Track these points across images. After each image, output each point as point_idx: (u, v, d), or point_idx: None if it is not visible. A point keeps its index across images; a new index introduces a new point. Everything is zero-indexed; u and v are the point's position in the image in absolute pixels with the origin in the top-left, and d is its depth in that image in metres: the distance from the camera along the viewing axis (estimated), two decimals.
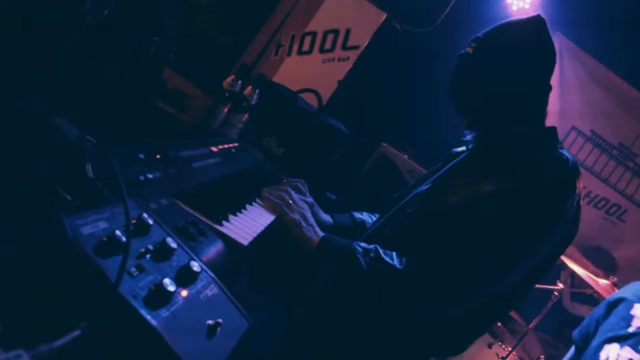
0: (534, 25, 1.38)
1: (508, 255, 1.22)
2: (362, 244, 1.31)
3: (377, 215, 1.81)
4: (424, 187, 1.45)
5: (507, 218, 1.21)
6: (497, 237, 1.21)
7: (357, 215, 1.79)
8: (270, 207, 1.39)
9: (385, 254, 1.27)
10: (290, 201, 1.43)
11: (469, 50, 1.40)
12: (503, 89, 1.37)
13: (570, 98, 4.04)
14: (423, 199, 1.40)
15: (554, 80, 1.43)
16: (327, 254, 1.31)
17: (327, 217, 1.66)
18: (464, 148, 1.56)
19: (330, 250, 1.31)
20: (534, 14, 1.42)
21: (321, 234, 1.37)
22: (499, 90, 1.37)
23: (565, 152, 1.31)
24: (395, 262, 1.24)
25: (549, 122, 1.43)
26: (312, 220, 1.41)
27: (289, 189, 1.50)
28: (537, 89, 1.39)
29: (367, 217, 1.79)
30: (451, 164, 1.48)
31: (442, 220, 1.30)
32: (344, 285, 1.31)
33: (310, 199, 1.62)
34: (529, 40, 1.37)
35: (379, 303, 1.27)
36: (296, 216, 1.38)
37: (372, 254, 1.27)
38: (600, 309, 1.57)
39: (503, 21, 1.42)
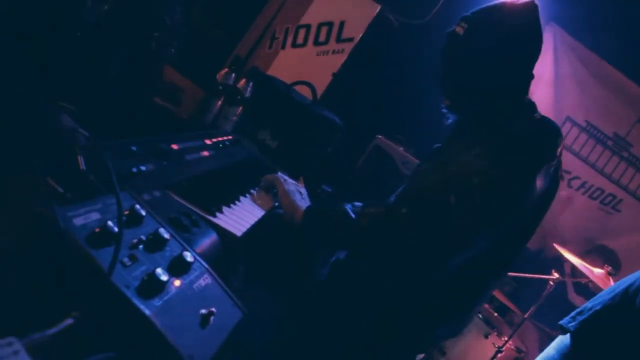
0: (527, 10, 1.38)
1: (486, 212, 1.22)
2: (347, 204, 1.34)
3: None
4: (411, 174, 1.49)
5: (493, 171, 1.22)
6: (476, 192, 1.21)
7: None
8: (267, 182, 1.47)
9: (371, 204, 1.30)
10: (286, 179, 1.51)
11: (459, 30, 1.39)
12: (491, 72, 1.37)
13: (564, 88, 4.04)
14: (414, 176, 1.47)
15: (548, 71, 1.44)
16: (316, 216, 1.34)
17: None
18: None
19: (319, 213, 1.35)
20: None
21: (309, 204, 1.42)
22: (486, 73, 1.38)
23: (545, 116, 1.36)
24: (381, 207, 1.28)
25: (543, 111, 1.44)
26: (305, 195, 1.48)
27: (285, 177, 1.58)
28: (521, 76, 1.40)
29: None
30: (435, 147, 1.53)
31: (434, 187, 1.30)
32: (333, 239, 1.34)
33: (303, 191, 1.63)
34: (522, 24, 1.37)
35: (370, 251, 1.30)
36: (290, 187, 1.43)
37: (357, 204, 1.31)
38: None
39: (496, 1, 1.41)
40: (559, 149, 1.31)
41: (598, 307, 1.69)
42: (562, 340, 1.76)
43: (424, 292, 1.33)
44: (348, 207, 1.30)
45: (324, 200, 1.73)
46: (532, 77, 1.41)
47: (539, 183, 1.26)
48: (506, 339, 3.06)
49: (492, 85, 1.39)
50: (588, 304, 1.77)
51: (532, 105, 1.41)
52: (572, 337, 1.73)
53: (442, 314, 1.37)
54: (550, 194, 1.35)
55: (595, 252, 4.04)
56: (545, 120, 1.34)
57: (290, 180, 1.55)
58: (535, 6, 1.38)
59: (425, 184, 1.31)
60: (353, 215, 1.26)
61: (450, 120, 1.50)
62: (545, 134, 1.31)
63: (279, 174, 1.69)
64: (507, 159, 1.23)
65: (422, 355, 1.52)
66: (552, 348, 1.79)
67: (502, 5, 1.39)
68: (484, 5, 1.40)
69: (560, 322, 1.80)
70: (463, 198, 1.20)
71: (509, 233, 1.32)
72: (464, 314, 1.46)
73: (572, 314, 1.79)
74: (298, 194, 1.44)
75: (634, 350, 1.60)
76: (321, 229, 1.33)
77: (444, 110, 1.50)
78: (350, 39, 3.47)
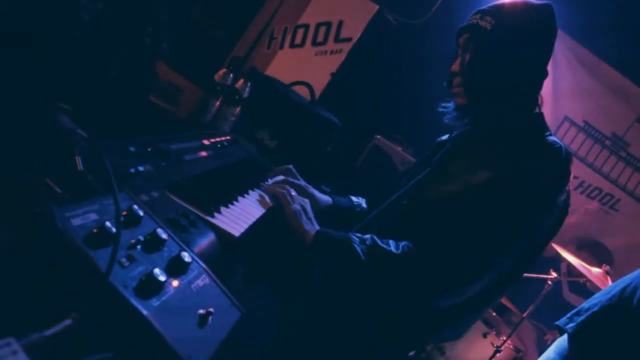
0: (547, 11, 1.37)
1: (503, 242, 1.23)
2: (358, 234, 1.32)
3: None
4: (418, 177, 1.46)
5: (503, 205, 1.22)
6: (493, 223, 1.22)
7: (354, 198, 1.81)
8: (273, 196, 1.43)
9: (382, 241, 1.28)
10: (293, 193, 1.45)
11: (486, 25, 1.35)
12: (514, 69, 1.35)
13: (562, 88, 4.05)
14: (418, 189, 1.41)
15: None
16: (324, 245, 1.31)
17: (324, 197, 1.68)
18: (448, 136, 1.58)
19: (327, 242, 1.31)
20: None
21: (318, 227, 1.37)
22: (511, 70, 1.35)
23: (556, 139, 1.33)
24: (392, 247, 1.25)
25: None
26: (311, 213, 1.42)
27: (291, 182, 1.52)
28: (540, 73, 1.39)
29: (363, 202, 1.81)
30: (443, 151, 1.48)
31: (439, 208, 1.31)
32: (341, 275, 1.31)
33: (302, 183, 1.63)
34: (544, 24, 1.37)
35: (378, 290, 1.28)
36: (297, 207, 1.39)
37: (368, 242, 1.28)
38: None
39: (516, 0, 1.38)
40: (570, 175, 1.29)
41: (595, 309, 1.69)
42: (561, 343, 1.77)
43: (425, 312, 1.34)
44: (355, 240, 1.28)
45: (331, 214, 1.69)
46: (546, 74, 1.40)
47: (553, 214, 1.27)
48: (505, 338, 3.06)
49: (513, 83, 1.37)
50: (585, 305, 1.77)
51: (541, 120, 1.40)
52: (569, 339, 1.74)
53: (444, 318, 1.37)
54: (560, 222, 1.33)
55: (586, 248, 4.05)
56: (558, 147, 1.29)
57: (296, 194, 1.50)
58: (552, 7, 1.39)
59: (438, 228, 1.27)
60: (360, 253, 1.25)
61: (456, 121, 1.46)
62: (561, 165, 1.27)
63: (273, 169, 1.68)
64: (524, 198, 1.22)
65: (412, 352, 1.51)
66: (551, 351, 1.79)
67: (524, 1, 1.37)
68: (503, 1, 1.38)
69: (557, 323, 1.80)
70: (473, 239, 1.21)
71: (515, 263, 1.32)
72: (465, 320, 1.46)
73: (569, 314, 1.79)
74: (304, 214, 1.38)
75: (632, 351, 1.61)
76: (329, 261, 1.31)
77: (450, 109, 1.47)
78: (349, 39, 3.48)
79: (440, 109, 1.51)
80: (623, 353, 1.62)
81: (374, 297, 1.31)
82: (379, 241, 1.28)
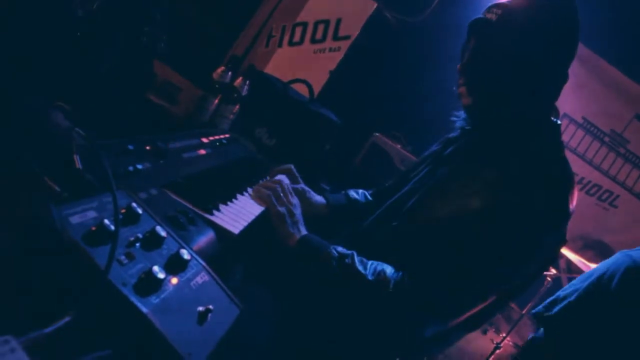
0: (567, 6, 1.26)
1: (485, 276, 1.18)
2: (340, 249, 1.27)
3: (371, 192, 1.81)
4: (415, 198, 1.38)
5: (490, 238, 1.15)
6: (474, 258, 1.16)
7: (352, 193, 1.78)
8: (259, 198, 1.37)
9: (361, 262, 1.23)
10: (282, 194, 1.40)
11: (492, 16, 1.24)
12: (520, 67, 1.23)
13: None
14: (414, 208, 1.34)
15: None
16: (304, 253, 1.28)
17: (320, 198, 1.66)
18: (457, 133, 1.52)
19: (308, 250, 1.28)
20: None
21: (304, 232, 1.33)
22: (514, 67, 1.23)
23: (567, 164, 1.24)
24: (368, 272, 1.20)
25: None
26: (298, 217, 1.37)
27: (283, 182, 1.46)
28: (555, 75, 1.27)
29: (361, 197, 1.78)
30: (444, 163, 1.41)
31: (429, 231, 1.25)
32: (316, 286, 1.29)
33: (302, 186, 1.62)
34: (561, 18, 1.24)
35: (350, 310, 1.25)
36: (282, 209, 1.34)
37: (347, 260, 1.23)
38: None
39: None
40: (574, 204, 1.21)
41: (572, 298, 1.69)
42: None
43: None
44: (334, 256, 1.24)
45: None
46: (567, 78, 1.28)
47: (556, 238, 1.22)
48: (504, 335, 3.07)
49: (520, 83, 1.25)
50: (560, 293, 1.77)
51: (555, 133, 1.30)
52: (545, 328, 1.74)
53: (422, 345, 1.36)
54: (561, 244, 1.28)
55: (591, 248, 4.06)
56: (563, 180, 1.21)
57: (289, 188, 1.46)
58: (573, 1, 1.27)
59: (422, 242, 1.23)
60: (336, 269, 1.21)
61: (463, 123, 1.40)
62: (561, 208, 1.18)
63: (283, 176, 1.64)
64: (522, 227, 1.14)
65: None
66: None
67: None
68: None
69: (534, 311, 1.80)
70: (456, 272, 1.16)
71: (516, 284, 1.28)
72: (460, 333, 1.45)
73: (545, 303, 1.79)
74: (289, 217, 1.33)
75: (609, 339, 1.61)
76: (307, 272, 1.28)
77: (461, 118, 1.41)
78: (347, 37, 3.47)
79: (453, 118, 1.45)
80: (600, 341, 1.63)
81: (349, 317, 1.27)
82: (357, 261, 1.22)
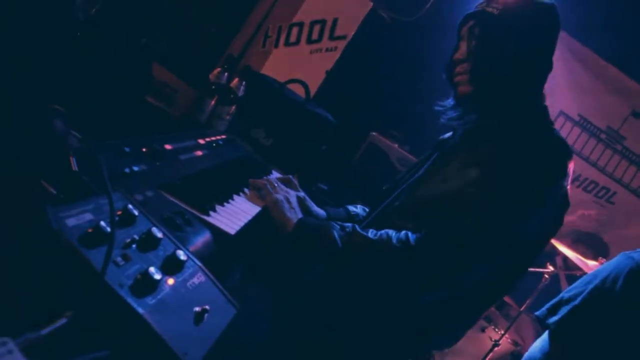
0: (551, 5, 1.37)
1: (492, 235, 1.21)
2: (339, 222, 1.31)
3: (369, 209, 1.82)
4: (411, 180, 1.44)
5: (495, 198, 1.20)
6: (482, 216, 1.20)
7: (352, 208, 1.79)
8: (255, 190, 1.40)
9: (362, 229, 1.27)
10: (276, 185, 1.44)
11: (493, 10, 1.33)
12: (521, 56, 1.33)
13: (557, 83, 4.06)
14: (414, 187, 1.39)
15: None
16: (304, 233, 1.29)
17: (320, 211, 1.66)
18: (451, 134, 1.55)
19: (307, 229, 1.30)
20: None
21: (300, 215, 1.36)
22: (516, 57, 1.33)
23: (559, 134, 1.33)
24: (370, 234, 1.24)
25: None
26: (295, 204, 1.40)
27: (272, 178, 1.50)
28: (545, 65, 1.39)
29: (361, 210, 1.79)
30: (443, 150, 1.46)
31: (431, 206, 1.29)
32: (319, 262, 1.29)
33: (302, 194, 1.62)
34: (548, 16, 1.36)
35: (355, 278, 1.26)
36: (279, 196, 1.37)
37: (348, 229, 1.27)
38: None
39: None
40: (569, 176, 1.29)
41: (577, 302, 1.68)
42: (545, 340, 1.77)
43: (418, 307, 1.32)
44: (335, 227, 1.27)
45: (323, 199, 1.68)
46: (551, 67, 1.40)
47: (544, 209, 1.25)
48: (502, 332, 3.08)
49: (520, 71, 1.34)
50: (564, 295, 1.75)
51: (546, 113, 1.39)
52: (550, 335, 1.73)
53: (430, 321, 1.36)
54: (561, 217, 1.33)
55: (588, 245, 4.07)
56: (556, 142, 1.30)
57: (281, 186, 1.49)
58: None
59: (427, 220, 1.25)
60: (337, 238, 1.24)
61: (458, 114, 1.42)
62: (555, 161, 1.26)
63: (271, 176, 1.67)
64: (522, 194, 1.21)
65: None
66: (537, 349, 1.78)
67: None
68: None
69: (537, 314, 1.79)
70: (461, 230, 1.19)
71: (508, 263, 1.31)
72: (459, 331, 1.46)
73: (548, 305, 1.77)
74: (286, 203, 1.37)
75: (617, 345, 1.61)
76: (311, 249, 1.28)
77: (448, 107, 1.43)
78: (343, 37, 3.48)
79: (437, 108, 1.47)
80: (607, 344, 1.62)
81: (354, 287, 1.29)
82: (358, 229, 1.27)
